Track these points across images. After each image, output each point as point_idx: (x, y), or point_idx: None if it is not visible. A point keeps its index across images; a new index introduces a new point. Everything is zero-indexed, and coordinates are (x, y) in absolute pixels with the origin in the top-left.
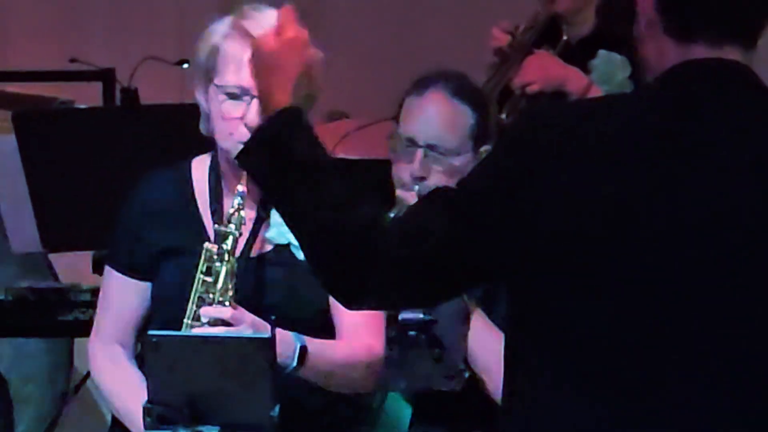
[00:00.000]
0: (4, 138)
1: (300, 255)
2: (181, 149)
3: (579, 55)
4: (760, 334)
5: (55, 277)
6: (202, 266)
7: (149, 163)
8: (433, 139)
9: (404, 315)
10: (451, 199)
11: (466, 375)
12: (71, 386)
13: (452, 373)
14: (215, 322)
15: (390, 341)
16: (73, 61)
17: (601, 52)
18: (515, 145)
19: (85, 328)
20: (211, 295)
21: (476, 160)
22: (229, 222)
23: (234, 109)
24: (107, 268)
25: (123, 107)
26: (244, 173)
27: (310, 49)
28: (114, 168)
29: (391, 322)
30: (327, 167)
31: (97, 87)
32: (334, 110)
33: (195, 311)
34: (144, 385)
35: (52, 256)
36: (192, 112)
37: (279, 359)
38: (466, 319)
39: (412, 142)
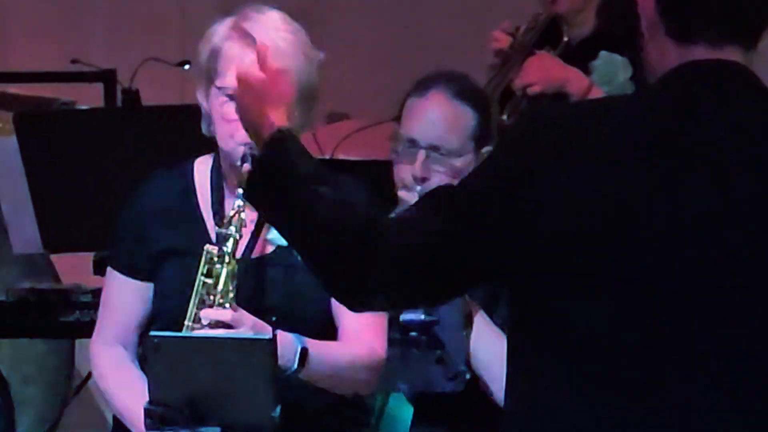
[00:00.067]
0: (6, 139)
1: None
2: (182, 150)
3: (580, 56)
4: (760, 334)
5: (57, 279)
6: (202, 268)
7: (150, 164)
8: (434, 140)
9: (405, 316)
10: (451, 199)
11: (468, 376)
12: (73, 387)
13: (454, 374)
14: (215, 325)
15: (391, 342)
16: (74, 62)
17: (602, 54)
18: (516, 145)
19: (86, 329)
20: (211, 297)
21: (478, 161)
22: (230, 224)
23: (235, 110)
24: (108, 269)
25: (124, 108)
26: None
27: (293, 83)
28: (115, 169)
29: (393, 323)
30: (328, 181)
31: (98, 88)
32: (335, 111)
33: (195, 313)
34: (145, 386)
35: (53, 257)
36: (193, 113)
37: (280, 361)
38: (467, 321)
39: (414, 143)
